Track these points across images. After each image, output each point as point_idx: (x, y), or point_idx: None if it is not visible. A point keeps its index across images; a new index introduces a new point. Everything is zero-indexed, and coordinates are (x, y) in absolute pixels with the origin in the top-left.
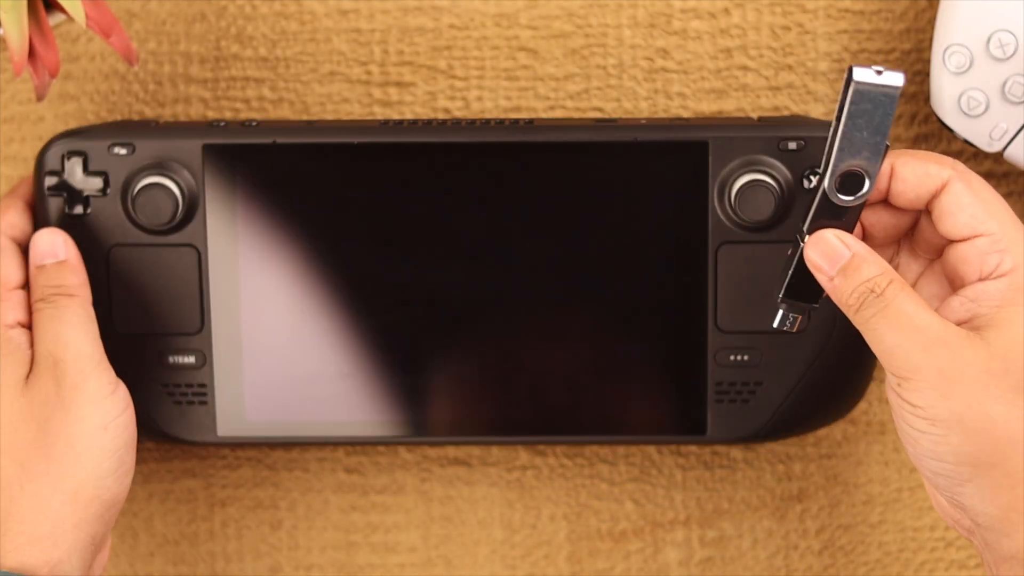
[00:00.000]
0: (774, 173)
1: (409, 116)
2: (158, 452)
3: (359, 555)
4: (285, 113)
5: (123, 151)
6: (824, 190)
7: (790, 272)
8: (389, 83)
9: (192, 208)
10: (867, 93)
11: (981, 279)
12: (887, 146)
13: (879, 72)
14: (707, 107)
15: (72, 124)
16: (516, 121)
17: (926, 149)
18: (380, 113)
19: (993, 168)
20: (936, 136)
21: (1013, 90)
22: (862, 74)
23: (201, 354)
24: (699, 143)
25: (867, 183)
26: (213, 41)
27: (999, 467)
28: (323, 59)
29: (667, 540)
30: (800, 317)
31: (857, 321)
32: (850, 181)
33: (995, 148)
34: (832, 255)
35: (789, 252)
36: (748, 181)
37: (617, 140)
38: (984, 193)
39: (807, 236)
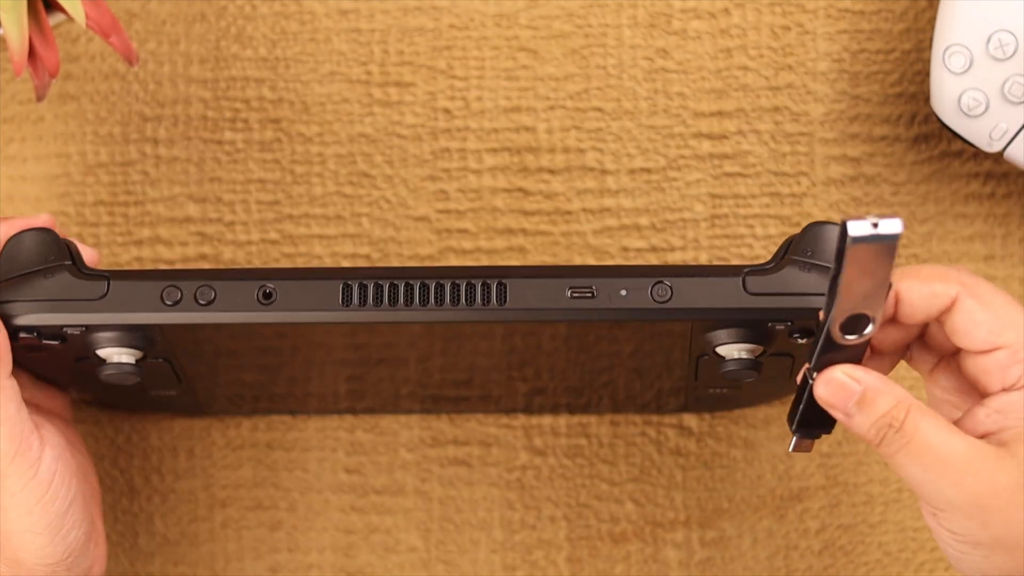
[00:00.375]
0: (758, 340)
1: (409, 116)
2: (158, 452)
3: (359, 555)
4: (285, 113)
5: (76, 332)
6: (828, 334)
7: (800, 408)
8: (389, 83)
9: (157, 349)
10: (865, 248)
11: (1004, 390)
12: (890, 285)
13: (875, 224)
14: (707, 107)
15: (72, 125)
16: (487, 289)
17: (926, 149)
18: (380, 113)
19: (993, 168)
20: (936, 136)
21: (1013, 90)
22: (857, 229)
23: (183, 390)
24: (683, 323)
25: (871, 325)
26: (213, 41)
27: None
28: (323, 59)
29: (667, 540)
30: (813, 441)
31: (881, 454)
32: (854, 322)
33: (995, 148)
34: (843, 394)
35: (798, 385)
36: (731, 361)
37: (596, 321)
38: (996, 302)
39: (815, 374)
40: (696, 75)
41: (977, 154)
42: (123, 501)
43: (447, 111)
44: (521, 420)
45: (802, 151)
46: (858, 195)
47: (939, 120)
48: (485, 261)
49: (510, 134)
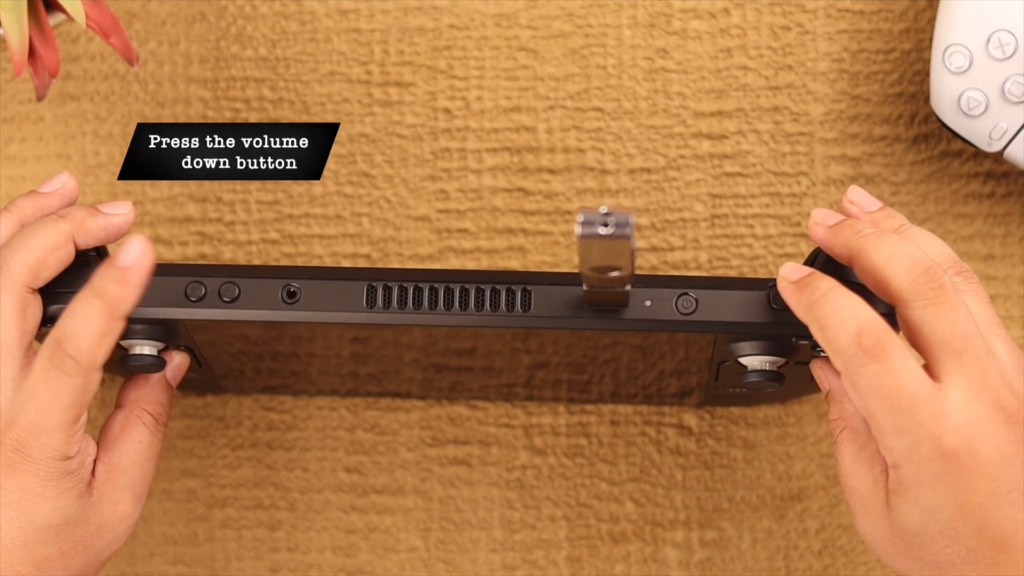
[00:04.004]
0: (781, 353)
1: (409, 116)
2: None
3: (359, 555)
4: (285, 113)
5: None
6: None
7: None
8: (389, 83)
9: (180, 340)
10: (595, 243)
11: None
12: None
13: (605, 224)
14: (707, 107)
15: (72, 125)
16: (512, 295)
17: (926, 149)
18: (380, 113)
19: (993, 168)
20: (936, 136)
21: (1013, 90)
22: (586, 224)
23: (202, 373)
24: (706, 336)
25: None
26: (213, 41)
27: None
28: (323, 59)
29: (667, 540)
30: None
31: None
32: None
33: (995, 148)
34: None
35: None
36: (754, 372)
37: (620, 330)
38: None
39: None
40: (696, 75)
41: (977, 154)
42: None
43: (447, 111)
44: (521, 419)
45: (802, 151)
46: None
47: (939, 120)
48: (485, 261)
49: (510, 134)
